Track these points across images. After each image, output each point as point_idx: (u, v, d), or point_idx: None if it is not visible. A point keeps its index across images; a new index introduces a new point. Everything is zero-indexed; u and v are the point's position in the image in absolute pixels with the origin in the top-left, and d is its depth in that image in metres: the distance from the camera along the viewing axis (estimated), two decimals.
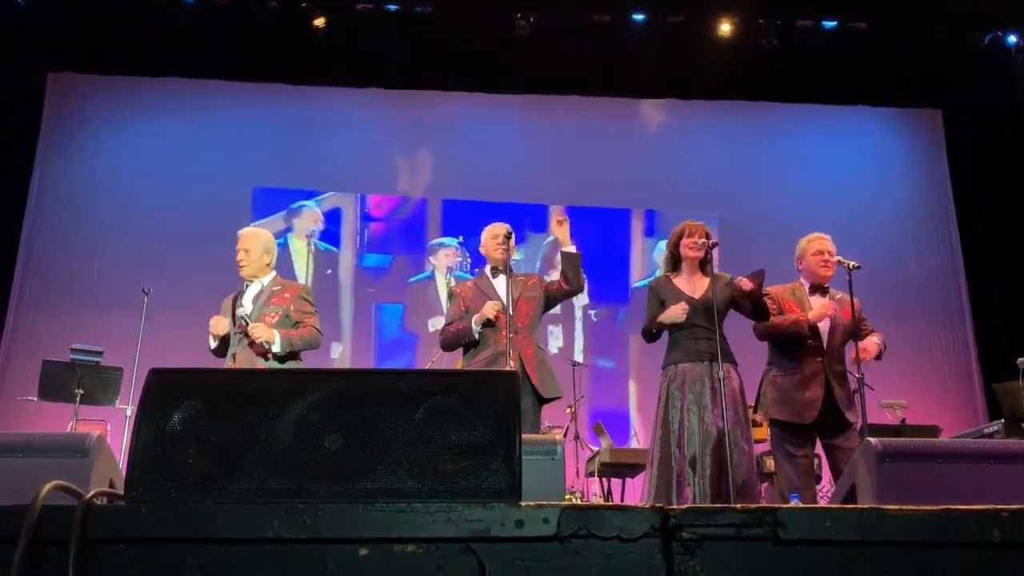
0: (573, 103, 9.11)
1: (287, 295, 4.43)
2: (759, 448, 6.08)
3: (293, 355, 4.32)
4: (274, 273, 4.54)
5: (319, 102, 8.89)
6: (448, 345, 4.71)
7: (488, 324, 4.46)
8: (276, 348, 4.23)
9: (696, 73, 8.77)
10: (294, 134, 8.80)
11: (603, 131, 9.07)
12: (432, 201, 8.93)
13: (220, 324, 4.35)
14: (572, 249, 4.57)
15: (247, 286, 4.47)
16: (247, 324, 4.25)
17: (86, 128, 8.65)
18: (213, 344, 4.43)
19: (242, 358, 4.27)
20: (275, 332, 4.24)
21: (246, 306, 4.34)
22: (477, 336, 4.50)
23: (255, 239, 4.51)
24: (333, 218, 8.82)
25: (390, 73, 8.74)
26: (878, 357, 4.50)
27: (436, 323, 8.29)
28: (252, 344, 4.24)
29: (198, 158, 8.61)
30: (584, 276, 4.68)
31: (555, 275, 4.87)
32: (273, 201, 8.71)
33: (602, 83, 8.91)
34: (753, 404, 4.65)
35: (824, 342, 4.44)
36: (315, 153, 8.79)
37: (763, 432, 6.47)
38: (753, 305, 4.35)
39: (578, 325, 8.79)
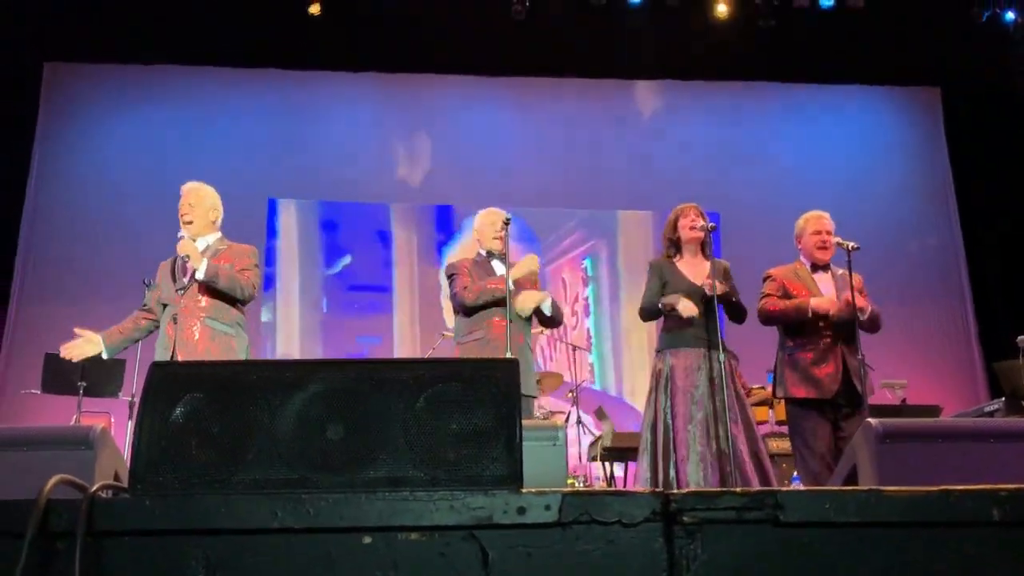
0: (569, 85, 9.08)
1: (234, 252, 4.16)
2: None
3: (214, 291, 3.99)
4: (220, 233, 4.26)
5: (316, 87, 8.86)
6: (478, 305, 4.36)
7: (497, 303, 4.29)
8: (200, 273, 3.94)
9: (693, 55, 8.74)
10: (292, 121, 8.77)
11: (598, 115, 9.04)
12: (427, 208, 8.85)
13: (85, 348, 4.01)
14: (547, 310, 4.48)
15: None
16: (187, 259, 4.01)
17: (84, 118, 8.62)
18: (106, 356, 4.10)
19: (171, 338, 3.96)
20: (202, 257, 3.97)
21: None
22: (511, 287, 4.27)
23: (200, 193, 4.23)
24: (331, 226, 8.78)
25: (386, 57, 8.71)
26: (872, 323, 4.38)
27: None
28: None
29: (196, 147, 8.57)
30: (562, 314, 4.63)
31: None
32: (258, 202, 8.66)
33: (599, 66, 8.87)
34: (771, 386, 4.62)
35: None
36: (313, 141, 8.76)
37: (763, 414, 6.52)
38: (728, 309, 4.37)
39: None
